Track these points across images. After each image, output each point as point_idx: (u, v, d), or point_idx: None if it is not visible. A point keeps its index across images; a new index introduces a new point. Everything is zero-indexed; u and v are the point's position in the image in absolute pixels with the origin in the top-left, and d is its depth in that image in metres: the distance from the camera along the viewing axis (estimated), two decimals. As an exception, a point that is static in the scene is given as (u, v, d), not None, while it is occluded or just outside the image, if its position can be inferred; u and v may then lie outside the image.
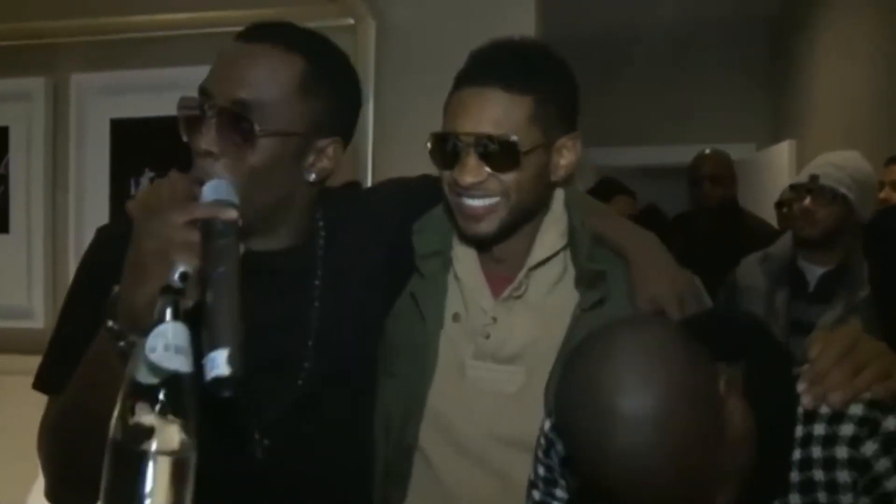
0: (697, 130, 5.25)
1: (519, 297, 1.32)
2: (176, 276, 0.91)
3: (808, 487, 0.94)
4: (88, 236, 2.60)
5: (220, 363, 0.86)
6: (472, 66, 1.29)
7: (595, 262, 1.32)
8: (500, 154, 1.22)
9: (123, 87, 2.60)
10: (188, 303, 0.91)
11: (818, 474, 0.93)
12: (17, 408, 2.62)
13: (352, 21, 2.38)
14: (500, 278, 1.34)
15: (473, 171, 1.23)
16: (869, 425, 0.91)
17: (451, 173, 1.27)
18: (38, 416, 2.35)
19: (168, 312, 0.87)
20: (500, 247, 1.34)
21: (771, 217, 3.88)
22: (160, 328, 0.87)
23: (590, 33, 5.28)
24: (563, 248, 1.34)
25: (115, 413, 0.84)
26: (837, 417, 0.94)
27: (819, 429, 0.95)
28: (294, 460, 1.22)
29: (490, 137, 1.21)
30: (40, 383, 1.24)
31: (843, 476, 0.91)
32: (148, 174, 2.60)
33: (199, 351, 0.88)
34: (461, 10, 2.44)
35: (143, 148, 2.58)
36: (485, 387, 1.30)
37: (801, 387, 0.98)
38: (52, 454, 1.15)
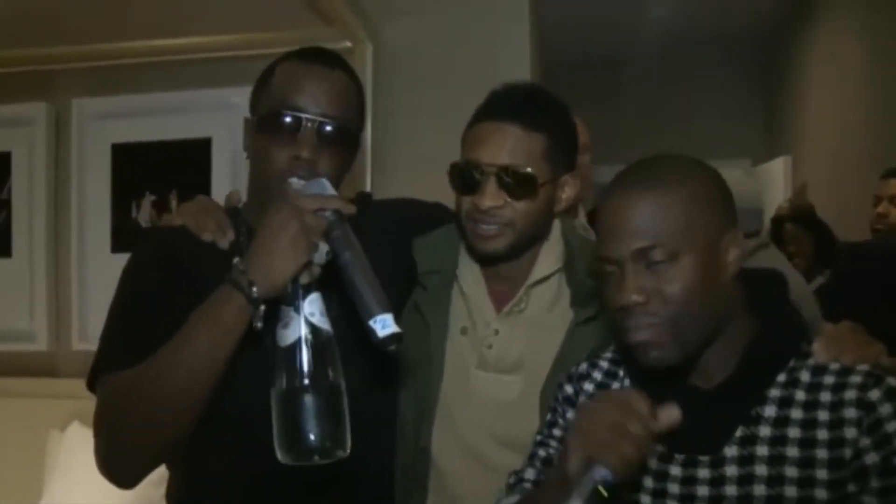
0: (694, 147, 5.21)
1: (520, 311, 1.43)
2: (323, 254, 1.08)
3: (811, 425, 1.04)
4: (90, 259, 2.67)
5: (390, 324, 1.05)
6: (492, 103, 1.39)
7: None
8: (518, 184, 1.33)
9: (124, 111, 2.64)
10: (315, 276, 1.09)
11: (823, 415, 1.03)
12: (21, 431, 2.64)
13: (349, 44, 2.42)
14: (503, 294, 1.44)
15: (493, 196, 1.33)
16: (874, 378, 1.03)
17: (470, 199, 1.36)
18: (42, 438, 2.36)
19: (313, 285, 1.09)
20: (507, 266, 1.44)
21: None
22: (312, 296, 1.08)
23: (585, 53, 5.35)
24: (559, 271, 1.45)
25: (283, 371, 1.05)
26: (846, 372, 1.06)
27: (829, 379, 1.06)
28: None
29: (508, 168, 1.32)
30: (105, 362, 1.23)
31: (850, 412, 1.01)
32: (149, 197, 2.63)
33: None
34: (456, 33, 2.48)
35: (144, 171, 2.62)
36: (486, 394, 1.40)
37: (815, 345, 1.09)
38: (123, 419, 1.17)
